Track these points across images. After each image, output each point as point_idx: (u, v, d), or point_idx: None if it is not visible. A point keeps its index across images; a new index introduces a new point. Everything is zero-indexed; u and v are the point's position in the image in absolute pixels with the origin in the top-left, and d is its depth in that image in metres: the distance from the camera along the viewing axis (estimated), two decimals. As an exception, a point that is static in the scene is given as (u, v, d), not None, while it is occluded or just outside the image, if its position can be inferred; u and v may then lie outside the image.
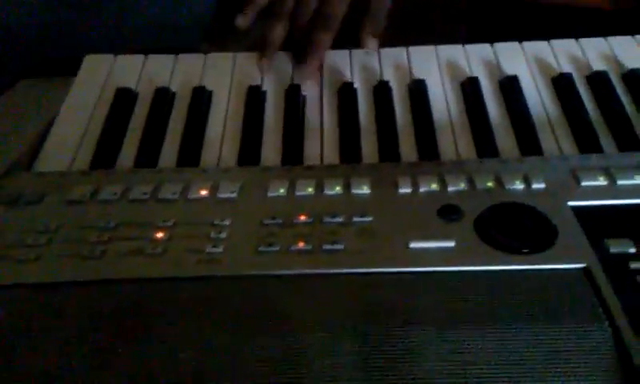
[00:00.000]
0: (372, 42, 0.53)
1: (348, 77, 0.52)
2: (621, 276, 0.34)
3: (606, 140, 0.46)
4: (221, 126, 0.48)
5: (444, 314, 0.31)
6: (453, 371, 0.30)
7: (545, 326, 0.31)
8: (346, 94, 0.51)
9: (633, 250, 0.35)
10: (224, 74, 0.53)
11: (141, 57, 0.54)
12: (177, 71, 0.53)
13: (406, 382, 0.30)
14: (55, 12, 0.58)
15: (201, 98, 0.50)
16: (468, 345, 0.30)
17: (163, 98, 0.50)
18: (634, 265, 0.34)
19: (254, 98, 0.50)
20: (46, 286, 0.32)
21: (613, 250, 0.36)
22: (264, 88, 0.52)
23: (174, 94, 0.51)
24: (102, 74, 0.52)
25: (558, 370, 0.30)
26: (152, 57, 0.54)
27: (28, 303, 0.32)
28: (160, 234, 0.36)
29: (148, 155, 0.45)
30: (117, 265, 0.34)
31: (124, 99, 0.50)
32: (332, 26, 0.51)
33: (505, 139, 0.47)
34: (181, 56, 0.54)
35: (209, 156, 0.46)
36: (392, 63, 0.54)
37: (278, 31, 0.52)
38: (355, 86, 0.51)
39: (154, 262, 0.34)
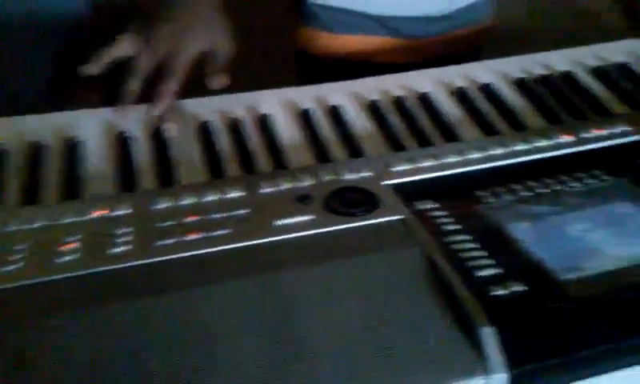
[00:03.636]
0: (216, 82, 0.66)
1: (205, 118, 0.66)
2: (425, 222, 0.51)
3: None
4: (97, 165, 0.59)
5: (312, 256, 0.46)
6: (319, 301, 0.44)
7: (376, 257, 0.46)
8: (205, 130, 0.64)
9: (431, 206, 0.53)
10: (92, 126, 0.64)
11: (15, 118, 0.63)
12: (47, 128, 0.63)
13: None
14: None
15: (74, 148, 0.61)
16: (330, 277, 0.45)
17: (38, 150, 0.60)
18: (432, 213, 0.52)
19: (123, 141, 0.62)
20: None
21: (419, 207, 0.53)
22: (130, 135, 0.63)
23: (48, 146, 0.61)
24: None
25: (386, 292, 0.44)
26: (23, 118, 0.63)
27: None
28: (70, 246, 0.46)
29: (31, 195, 0.55)
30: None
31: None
32: (175, 77, 0.64)
33: (336, 151, 0.64)
34: (49, 115, 0.64)
35: (92, 189, 0.57)
36: (242, 105, 0.69)
37: (132, 86, 0.63)
38: (214, 124, 0.65)
39: (77, 261, 0.44)
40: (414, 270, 0.46)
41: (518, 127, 0.67)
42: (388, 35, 0.90)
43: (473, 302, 0.41)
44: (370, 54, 0.91)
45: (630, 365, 0.40)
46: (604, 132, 0.62)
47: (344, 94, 0.72)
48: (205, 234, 0.47)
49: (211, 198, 0.52)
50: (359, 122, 0.68)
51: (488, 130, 0.67)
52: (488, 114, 0.69)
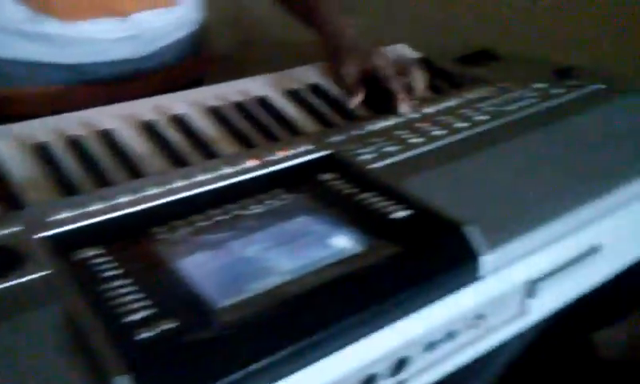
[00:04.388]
0: None
1: None
2: (81, 273, 0.44)
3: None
4: None
5: None
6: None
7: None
8: None
9: (95, 253, 0.46)
10: None
11: None
12: None
13: None
14: None
15: None
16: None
17: None
18: (92, 262, 0.45)
19: None
20: None
21: (78, 257, 0.46)
22: None
23: None
24: None
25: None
26: None
27: None
28: None
29: None
30: None
31: None
32: None
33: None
34: None
35: None
36: None
37: None
38: None
39: None
40: (53, 330, 0.38)
41: (209, 156, 0.64)
42: (83, 82, 0.80)
43: (110, 352, 0.35)
44: (66, 103, 0.80)
45: (281, 377, 0.38)
46: (290, 152, 0.62)
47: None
48: None
49: None
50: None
51: (176, 163, 0.62)
52: (178, 145, 0.65)
